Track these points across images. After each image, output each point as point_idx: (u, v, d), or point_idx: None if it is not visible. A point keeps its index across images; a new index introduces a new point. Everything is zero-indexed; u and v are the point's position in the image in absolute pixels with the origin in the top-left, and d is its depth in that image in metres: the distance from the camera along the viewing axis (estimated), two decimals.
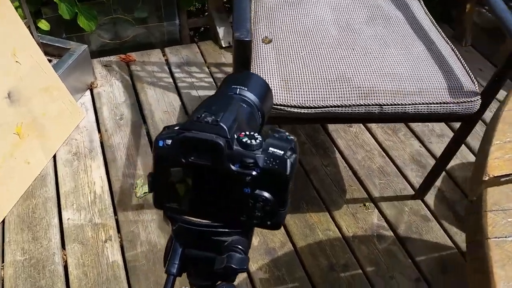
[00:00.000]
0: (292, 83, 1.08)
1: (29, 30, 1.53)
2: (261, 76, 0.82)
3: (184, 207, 0.46)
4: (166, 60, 2.00)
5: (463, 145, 1.41)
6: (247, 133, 0.43)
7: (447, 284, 1.29)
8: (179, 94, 1.83)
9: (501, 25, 1.07)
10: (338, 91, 1.08)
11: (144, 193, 1.48)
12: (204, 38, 2.15)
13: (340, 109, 1.08)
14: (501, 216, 0.49)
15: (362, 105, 1.08)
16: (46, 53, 1.65)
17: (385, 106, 1.08)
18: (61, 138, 1.60)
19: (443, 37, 1.26)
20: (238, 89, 0.53)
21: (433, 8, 1.38)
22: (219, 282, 0.49)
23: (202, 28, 2.29)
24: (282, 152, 0.42)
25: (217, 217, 0.46)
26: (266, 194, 0.43)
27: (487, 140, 0.60)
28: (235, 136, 0.43)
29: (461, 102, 1.09)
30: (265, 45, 1.16)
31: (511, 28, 1.04)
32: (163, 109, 1.77)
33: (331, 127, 1.71)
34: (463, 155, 1.63)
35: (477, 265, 0.48)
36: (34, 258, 1.29)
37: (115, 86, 1.85)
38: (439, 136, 1.71)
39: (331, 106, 1.07)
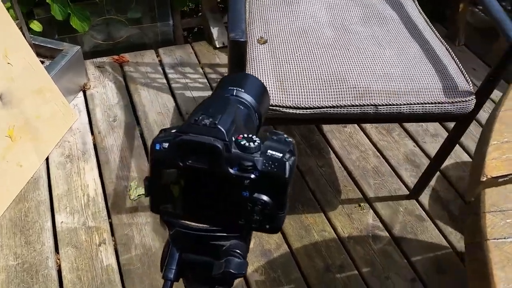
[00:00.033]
0: (287, 83, 1.08)
1: (21, 31, 1.51)
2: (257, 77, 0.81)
3: (182, 211, 0.45)
4: (160, 61, 1.98)
5: (457, 144, 1.41)
6: (245, 135, 0.43)
7: (442, 284, 1.29)
8: (173, 95, 1.82)
9: (496, 25, 1.08)
10: (334, 92, 1.07)
11: (138, 195, 1.46)
12: (197, 39, 2.14)
13: (335, 109, 1.07)
14: (499, 217, 0.49)
15: (357, 105, 1.08)
16: (38, 55, 1.63)
17: (380, 107, 1.08)
18: (54, 140, 1.59)
19: (437, 37, 1.27)
20: (234, 91, 0.53)
21: (426, 8, 1.39)
22: (216, 287, 0.49)
23: (196, 29, 2.28)
24: (281, 155, 0.42)
25: (215, 221, 0.45)
26: (264, 198, 0.42)
27: (484, 141, 0.60)
28: (233, 139, 0.42)
29: (456, 102, 1.09)
30: (260, 45, 1.16)
31: (506, 28, 1.04)
32: (157, 110, 1.76)
33: (326, 127, 1.71)
34: (457, 155, 1.64)
35: (476, 267, 0.48)
36: (27, 263, 1.28)
37: (108, 87, 1.83)
38: (433, 135, 1.72)
39: (327, 107, 1.07)
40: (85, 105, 1.75)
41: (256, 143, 0.42)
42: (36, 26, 1.79)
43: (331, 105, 1.07)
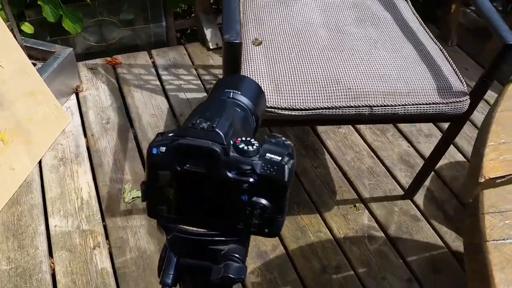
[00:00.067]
0: (282, 85, 1.08)
1: (12, 33, 1.50)
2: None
3: (179, 216, 0.45)
4: (153, 62, 1.97)
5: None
6: (244, 139, 0.42)
7: (438, 284, 1.29)
8: (167, 97, 1.81)
9: (488, 26, 1.08)
10: (328, 93, 1.07)
11: (133, 198, 1.45)
12: (191, 40, 2.13)
13: (330, 111, 1.07)
14: (498, 218, 0.49)
15: (352, 106, 1.08)
16: (30, 57, 1.61)
17: (375, 108, 1.08)
18: (47, 143, 1.57)
19: (431, 38, 1.27)
20: (231, 93, 0.52)
21: (418, 8, 1.39)
22: None
23: (189, 30, 2.27)
24: (280, 158, 0.42)
25: (214, 226, 0.45)
26: (263, 201, 0.42)
27: (481, 142, 0.60)
28: (231, 142, 0.42)
29: (450, 102, 1.10)
30: (255, 47, 1.15)
31: (499, 28, 1.05)
32: (151, 112, 1.75)
33: (320, 128, 1.71)
34: (451, 155, 1.64)
35: (476, 268, 0.48)
36: (21, 267, 1.26)
37: (101, 89, 1.82)
38: (427, 136, 1.72)
39: (322, 108, 1.07)
40: (78, 108, 1.74)
41: (254, 147, 0.42)
42: (27, 28, 1.77)
43: (326, 106, 1.06)
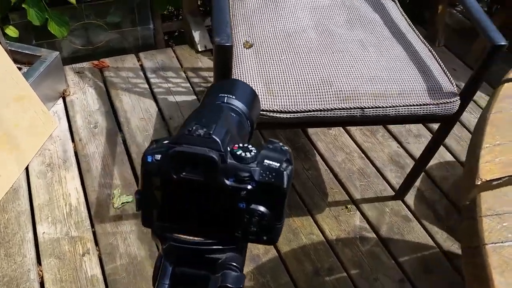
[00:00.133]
0: (274, 88, 1.07)
1: None
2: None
3: (175, 225, 0.44)
4: (141, 65, 1.96)
5: None
6: (241, 145, 0.41)
7: (430, 284, 1.30)
8: (156, 100, 1.80)
9: (476, 26, 1.09)
10: (320, 95, 1.07)
11: (122, 203, 1.43)
12: (179, 42, 2.12)
13: (322, 113, 1.07)
14: (496, 221, 0.49)
15: (344, 108, 1.07)
16: (15, 61, 1.59)
17: (367, 109, 1.08)
18: (34, 148, 1.54)
19: (420, 39, 1.28)
20: (225, 98, 0.52)
21: (406, 10, 1.40)
22: None
23: (177, 32, 2.26)
24: (278, 164, 0.41)
25: (210, 234, 0.44)
26: (262, 209, 0.41)
27: (476, 144, 0.60)
28: (229, 149, 0.41)
29: (441, 103, 1.10)
30: (246, 49, 1.15)
31: (487, 29, 1.06)
32: (139, 116, 1.73)
33: (311, 130, 1.71)
34: (440, 155, 1.65)
35: (475, 271, 0.48)
36: (7, 276, 1.23)
37: (89, 93, 1.80)
38: (416, 136, 1.73)
39: (314, 110, 1.06)
40: (65, 112, 1.71)
41: (252, 153, 0.41)
42: (12, 31, 1.74)
43: (318, 108, 1.06)
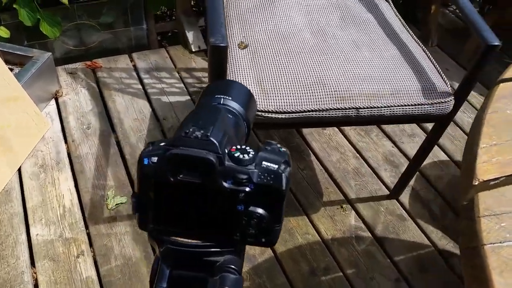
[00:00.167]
0: (269, 88, 1.07)
1: None
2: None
3: (172, 228, 0.43)
4: (134, 65, 1.94)
5: None
6: (239, 147, 0.41)
7: (425, 283, 1.30)
8: (149, 101, 1.79)
9: (470, 26, 1.09)
10: (315, 96, 1.07)
11: (116, 204, 1.43)
12: (172, 43, 2.11)
13: (317, 113, 1.07)
14: (494, 221, 0.49)
15: (339, 109, 1.07)
16: (6, 62, 1.57)
17: (362, 109, 1.08)
18: (26, 150, 1.53)
19: (414, 39, 1.28)
20: (222, 99, 0.51)
21: (399, 10, 1.40)
22: None
23: (170, 33, 2.24)
24: (276, 166, 0.41)
25: (208, 237, 0.43)
26: (260, 211, 0.41)
27: (473, 144, 0.61)
28: (226, 151, 0.40)
29: (435, 103, 1.11)
30: (240, 50, 1.14)
31: (480, 29, 1.06)
32: (133, 116, 1.72)
33: (305, 130, 1.71)
34: (434, 154, 1.66)
35: (474, 272, 0.48)
36: (1, 279, 1.22)
37: (81, 94, 1.78)
38: (410, 136, 1.74)
39: (308, 111, 1.06)
40: (58, 113, 1.70)
41: (250, 155, 0.40)
42: (3, 32, 1.72)
43: (312, 108, 1.06)
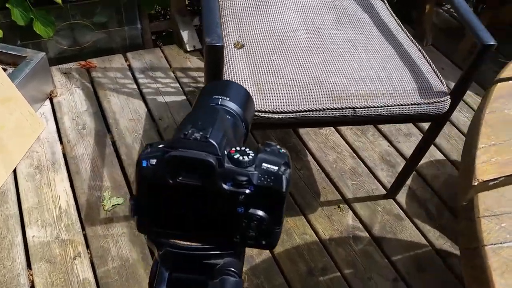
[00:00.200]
0: (265, 88, 1.06)
1: None
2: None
3: (171, 231, 0.43)
4: (129, 65, 1.93)
5: None
6: (238, 148, 0.41)
7: (423, 282, 1.30)
8: (145, 101, 1.78)
9: (466, 26, 1.09)
10: (311, 95, 1.07)
11: (113, 205, 1.42)
12: (167, 42, 2.10)
13: (314, 113, 1.06)
14: (494, 221, 0.49)
15: (335, 108, 1.07)
16: (0, 62, 1.56)
17: (358, 109, 1.08)
18: (21, 151, 1.52)
19: (409, 38, 1.28)
20: (220, 100, 0.51)
21: (394, 9, 1.40)
22: None
23: (165, 32, 2.24)
24: (276, 168, 0.40)
25: (208, 239, 0.43)
26: (260, 213, 0.40)
27: (471, 144, 0.60)
28: (226, 153, 0.40)
29: (432, 102, 1.11)
30: (236, 50, 1.14)
31: (476, 28, 1.06)
32: (128, 116, 1.71)
33: (302, 130, 1.71)
34: (431, 153, 1.66)
35: (474, 273, 0.48)
36: None
37: (76, 94, 1.77)
38: (406, 135, 1.74)
39: (305, 111, 1.06)
40: (53, 114, 1.68)
41: (250, 157, 0.40)
42: None
43: (309, 108, 1.06)
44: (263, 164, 0.40)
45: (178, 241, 0.43)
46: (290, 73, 1.10)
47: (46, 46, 1.94)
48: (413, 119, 1.19)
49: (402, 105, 1.10)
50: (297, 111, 1.06)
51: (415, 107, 1.10)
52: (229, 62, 1.11)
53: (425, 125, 1.26)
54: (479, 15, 2.17)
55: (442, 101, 1.11)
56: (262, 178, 0.40)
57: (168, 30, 2.21)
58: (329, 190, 1.52)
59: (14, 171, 1.47)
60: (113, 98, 1.77)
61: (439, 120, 1.18)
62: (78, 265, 1.26)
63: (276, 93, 1.06)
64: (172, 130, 1.66)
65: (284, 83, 1.08)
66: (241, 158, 0.40)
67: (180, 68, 1.94)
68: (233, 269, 0.43)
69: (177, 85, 1.86)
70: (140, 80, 1.86)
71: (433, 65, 1.19)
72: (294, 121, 1.08)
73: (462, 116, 1.84)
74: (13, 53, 1.65)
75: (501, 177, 0.54)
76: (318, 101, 1.06)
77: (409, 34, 1.30)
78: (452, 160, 1.66)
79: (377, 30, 1.28)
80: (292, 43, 1.19)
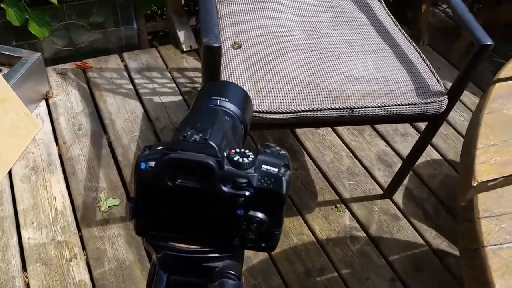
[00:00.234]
0: (263, 88, 1.06)
1: None
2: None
3: (170, 233, 0.42)
4: (125, 65, 1.92)
5: None
6: (238, 150, 0.40)
7: (420, 282, 1.31)
8: (141, 101, 1.77)
9: (463, 26, 1.09)
10: (309, 96, 1.06)
11: (109, 207, 1.41)
12: (163, 42, 2.09)
13: (312, 113, 1.06)
14: (494, 222, 0.49)
15: (333, 108, 1.07)
16: None
17: (356, 109, 1.08)
18: (17, 152, 1.51)
19: (406, 38, 1.28)
20: (218, 101, 0.50)
21: (390, 9, 1.40)
22: None
23: (161, 32, 2.23)
24: (276, 170, 0.40)
25: (207, 242, 0.42)
26: (260, 215, 0.40)
27: (470, 145, 0.60)
28: (225, 155, 0.40)
29: (429, 102, 1.11)
30: (234, 50, 1.13)
31: (473, 29, 1.06)
32: (125, 117, 1.70)
33: (299, 130, 1.71)
34: (427, 153, 1.66)
35: (474, 274, 0.48)
36: None
37: (72, 94, 1.76)
38: (402, 135, 1.74)
39: (303, 111, 1.06)
40: (48, 114, 1.67)
41: (250, 158, 0.40)
42: None
43: (307, 109, 1.05)
44: (263, 166, 0.40)
45: (177, 244, 0.43)
46: (287, 73, 1.09)
47: (42, 47, 1.93)
48: (410, 119, 1.19)
49: (399, 105, 1.10)
50: (295, 112, 1.05)
51: (412, 107, 1.10)
52: (226, 63, 1.11)
53: (422, 125, 1.26)
54: (475, 15, 2.17)
55: (439, 101, 1.11)
56: (262, 180, 0.39)
57: (164, 30, 2.20)
58: (326, 190, 1.52)
59: (10, 172, 1.46)
60: (109, 98, 1.76)
61: (436, 120, 1.18)
62: (74, 267, 1.26)
63: (274, 94, 1.06)
64: (168, 130, 1.66)
65: (282, 83, 1.07)
66: (240, 160, 0.39)
67: (176, 68, 1.93)
68: (232, 272, 0.43)
69: (174, 85, 1.85)
70: (137, 81, 1.85)
71: (430, 65, 1.19)
72: (291, 122, 1.08)
73: (458, 116, 1.84)
74: (8, 53, 1.64)
75: (500, 177, 0.54)
76: (315, 101, 1.06)
77: (406, 34, 1.30)
78: (448, 159, 1.66)
79: (374, 30, 1.28)
80: (290, 43, 1.19)
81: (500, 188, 0.53)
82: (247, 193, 0.39)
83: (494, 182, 0.53)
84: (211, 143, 0.39)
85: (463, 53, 2.05)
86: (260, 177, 0.39)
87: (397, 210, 1.48)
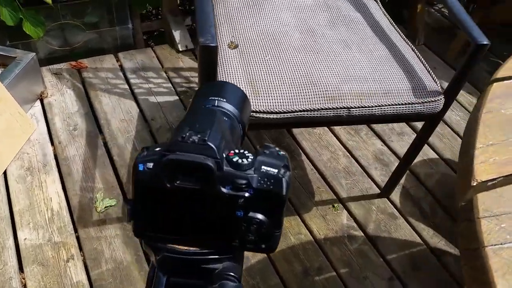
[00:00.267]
0: (260, 88, 1.06)
1: None
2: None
3: (169, 235, 0.42)
4: (120, 65, 1.92)
5: None
6: (237, 151, 0.40)
7: (418, 281, 1.31)
8: (136, 101, 1.76)
9: (460, 26, 1.10)
10: (306, 95, 1.06)
11: (105, 207, 1.40)
12: (158, 42, 2.08)
13: (308, 113, 1.06)
14: (494, 222, 0.49)
15: (330, 108, 1.07)
16: None
17: (353, 109, 1.08)
18: (12, 152, 1.50)
19: (403, 38, 1.28)
20: (216, 101, 0.50)
21: (386, 9, 1.40)
22: None
23: (157, 32, 2.22)
24: (276, 171, 0.40)
25: (207, 244, 0.42)
26: (260, 216, 0.40)
27: (469, 144, 0.60)
28: (224, 156, 0.39)
29: (426, 102, 1.11)
30: (231, 50, 1.13)
31: (469, 28, 1.06)
32: (120, 117, 1.69)
33: (296, 129, 1.71)
34: (424, 152, 1.67)
35: (475, 274, 0.48)
36: None
37: (67, 95, 1.75)
38: (399, 134, 1.74)
39: (300, 111, 1.05)
40: (43, 115, 1.66)
41: (249, 159, 0.39)
42: None
43: (304, 108, 1.05)
44: (263, 166, 0.40)
45: (176, 246, 0.42)
46: (284, 73, 1.09)
47: (36, 47, 1.92)
48: (407, 118, 1.20)
49: (396, 104, 1.10)
50: (292, 111, 1.05)
51: (409, 107, 1.10)
52: (223, 63, 1.10)
53: (418, 124, 1.26)
54: (470, 14, 2.18)
55: (436, 101, 1.11)
56: (262, 181, 0.39)
57: (160, 30, 2.20)
58: (323, 189, 1.52)
59: (5, 173, 1.45)
60: (104, 98, 1.75)
61: (432, 120, 1.19)
62: (71, 267, 1.25)
63: (271, 94, 1.05)
64: (164, 130, 1.65)
65: (279, 83, 1.07)
66: (240, 161, 0.39)
67: (172, 68, 1.92)
68: (232, 274, 0.42)
69: (169, 85, 1.85)
70: (132, 81, 1.84)
71: (426, 65, 1.19)
72: (288, 121, 1.07)
73: (454, 115, 1.84)
74: (3, 53, 1.63)
75: (499, 177, 0.54)
76: (312, 101, 1.06)
77: (402, 33, 1.29)
78: (445, 158, 1.66)
79: (370, 30, 1.28)
80: (286, 43, 1.19)
81: (500, 187, 0.53)
82: (246, 195, 0.39)
83: (494, 182, 0.53)
84: (210, 144, 0.38)
85: (459, 53, 2.06)
86: (259, 178, 0.39)
87: (394, 209, 1.48)
